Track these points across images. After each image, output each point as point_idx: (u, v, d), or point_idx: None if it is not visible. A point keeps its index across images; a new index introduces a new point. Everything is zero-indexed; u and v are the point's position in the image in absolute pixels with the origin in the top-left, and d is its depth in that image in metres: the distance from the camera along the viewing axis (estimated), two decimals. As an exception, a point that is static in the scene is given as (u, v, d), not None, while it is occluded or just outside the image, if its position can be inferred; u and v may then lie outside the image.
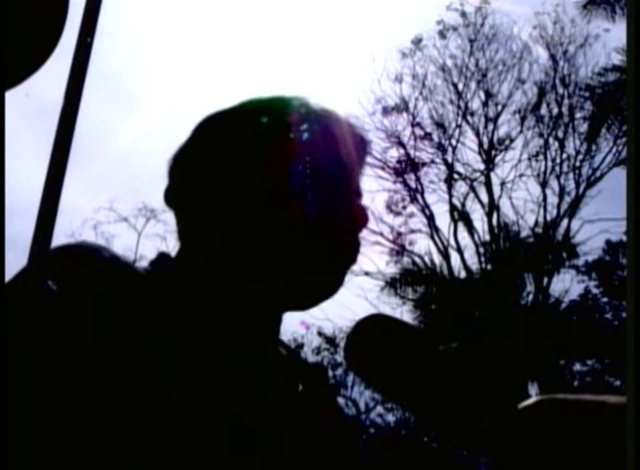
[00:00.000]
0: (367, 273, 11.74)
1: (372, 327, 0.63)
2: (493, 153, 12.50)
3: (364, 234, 0.81)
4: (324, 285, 0.77)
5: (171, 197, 0.80)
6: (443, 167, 12.57)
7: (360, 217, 0.78)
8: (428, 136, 12.59)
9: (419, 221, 12.38)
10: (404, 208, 12.37)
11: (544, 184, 12.17)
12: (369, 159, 0.85)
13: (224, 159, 0.77)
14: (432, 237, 12.22)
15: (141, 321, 0.64)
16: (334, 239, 0.75)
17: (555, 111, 12.27)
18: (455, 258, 12.09)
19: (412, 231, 12.40)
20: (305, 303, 0.78)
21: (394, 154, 12.51)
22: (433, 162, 12.58)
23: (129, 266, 0.71)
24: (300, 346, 12.69)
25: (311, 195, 0.74)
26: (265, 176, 0.74)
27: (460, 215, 12.26)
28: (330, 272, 0.76)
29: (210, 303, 0.72)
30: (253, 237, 0.74)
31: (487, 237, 12.07)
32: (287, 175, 0.74)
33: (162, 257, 0.78)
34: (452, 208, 12.26)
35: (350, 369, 0.66)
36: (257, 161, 0.75)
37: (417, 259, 12.24)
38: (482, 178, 12.42)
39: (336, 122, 0.80)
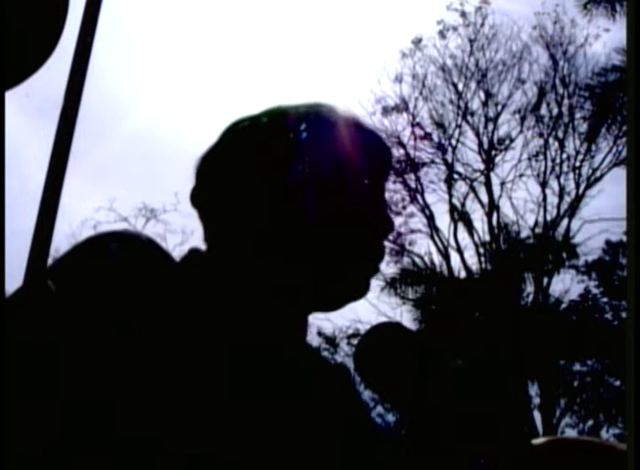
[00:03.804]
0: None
1: (384, 340, 0.65)
2: (493, 153, 12.51)
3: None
4: (348, 288, 0.78)
5: (198, 197, 0.80)
6: (443, 167, 12.58)
7: (385, 225, 0.79)
8: (428, 136, 12.60)
9: (419, 221, 12.39)
10: (404, 208, 12.38)
11: (544, 184, 12.17)
12: (390, 169, 0.87)
13: (254, 164, 0.77)
14: (432, 237, 12.23)
15: (165, 316, 0.64)
16: (359, 243, 0.76)
17: (555, 111, 12.28)
18: (455, 258, 12.10)
19: (412, 231, 12.40)
20: (330, 305, 0.79)
21: (394, 154, 12.50)
22: (433, 162, 12.59)
23: (162, 260, 0.70)
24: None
25: (338, 200, 0.75)
26: (293, 183, 0.75)
27: (460, 215, 12.26)
28: (354, 277, 0.77)
29: (235, 302, 0.72)
30: (277, 240, 0.75)
31: (487, 237, 12.08)
32: (314, 182, 0.75)
33: (193, 253, 0.78)
34: (452, 208, 12.27)
35: (360, 377, 0.67)
36: (285, 167, 0.76)
37: (417, 259, 12.25)
38: (482, 178, 12.43)
39: (361, 131, 0.81)
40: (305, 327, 0.80)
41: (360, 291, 0.78)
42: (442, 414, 0.61)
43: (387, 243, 0.81)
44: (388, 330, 0.67)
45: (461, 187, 12.51)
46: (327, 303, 0.79)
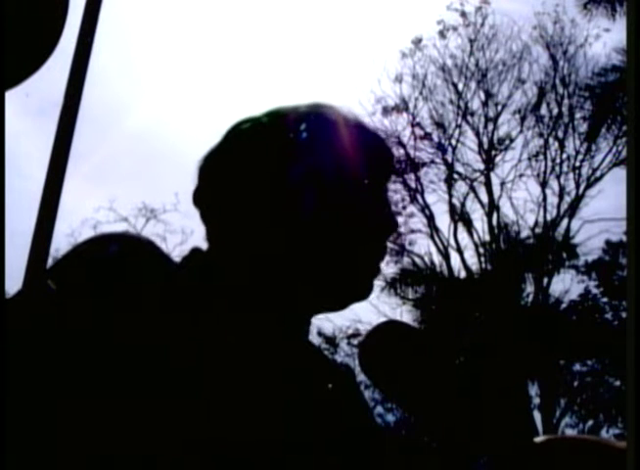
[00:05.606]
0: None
1: (390, 337, 0.65)
2: (493, 153, 12.51)
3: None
4: (352, 289, 0.78)
5: (200, 197, 0.80)
6: (443, 167, 12.58)
7: (387, 225, 0.79)
8: (428, 136, 12.60)
9: (419, 221, 12.39)
10: (404, 208, 12.37)
11: (544, 184, 12.17)
12: (391, 169, 0.87)
13: (257, 165, 0.77)
14: (432, 237, 12.23)
15: (162, 319, 0.64)
16: (361, 243, 0.76)
17: (555, 111, 12.28)
18: (455, 258, 12.11)
19: (412, 231, 12.40)
20: (334, 305, 0.79)
21: (395, 154, 12.47)
22: (433, 162, 12.59)
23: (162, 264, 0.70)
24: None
25: (339, 201, 0.76)
26: (294, 184, 0.75)
27: (460, 215, 12.26)
28: (358, 277, 0.77)
29: (235, 303, 0.72)
30: (278, 243, 0.75)
31: (487, 237, 12.08)
32: (315, 183, 0.75)
33: (195, 253, 0.78)
34: (452, 208, 12.27)
35: (364, 374, 0.67)
36: (286, 168, 0.76)
37: (417, 259, 12.26)
38: (482, 178, 12.43)
39: (362, 132, 0.81)
40: (307, 326, 0.80)
41: (364, 291, 0.78)
42: (445, 412, 0.61)
43: (388, 243, 0.80)
44: (392, 328, 0.67)
45: (461, 187, 12.53)
46: (331, 303, 0.79)
